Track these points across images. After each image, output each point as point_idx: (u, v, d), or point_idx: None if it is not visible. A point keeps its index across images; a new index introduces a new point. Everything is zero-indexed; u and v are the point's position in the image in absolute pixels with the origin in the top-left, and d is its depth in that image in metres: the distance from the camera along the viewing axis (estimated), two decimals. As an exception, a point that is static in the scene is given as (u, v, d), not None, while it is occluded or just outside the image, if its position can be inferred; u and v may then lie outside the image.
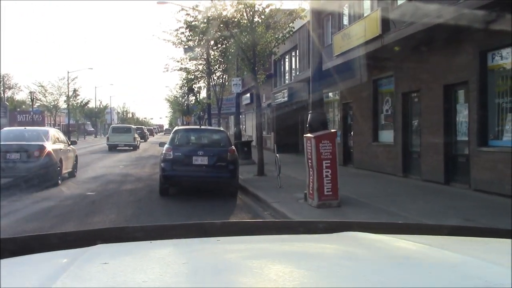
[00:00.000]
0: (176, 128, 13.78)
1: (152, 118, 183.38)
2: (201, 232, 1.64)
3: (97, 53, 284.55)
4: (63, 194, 12.41)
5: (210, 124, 31.24)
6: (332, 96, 21.33)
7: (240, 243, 1.58)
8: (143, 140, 47.66)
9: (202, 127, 15.54)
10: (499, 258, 1.30)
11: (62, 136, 15.98)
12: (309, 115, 10.46)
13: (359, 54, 14.96)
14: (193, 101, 44.67)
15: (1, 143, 13.11)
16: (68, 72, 62.60)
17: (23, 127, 18.13)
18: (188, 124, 43.96)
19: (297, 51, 25.59)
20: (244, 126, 38.60)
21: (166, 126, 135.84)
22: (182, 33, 18.28)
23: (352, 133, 18.62)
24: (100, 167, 20.20)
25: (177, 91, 59.97)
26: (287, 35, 15.74)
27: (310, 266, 1.25)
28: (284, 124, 28.55)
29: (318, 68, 10.34)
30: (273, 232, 1.71)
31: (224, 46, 17.43)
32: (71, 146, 16.23)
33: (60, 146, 14.75)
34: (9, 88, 75.23)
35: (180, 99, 62.81)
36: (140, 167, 21.14)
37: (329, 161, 9.58)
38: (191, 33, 18.04)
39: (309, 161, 9.83)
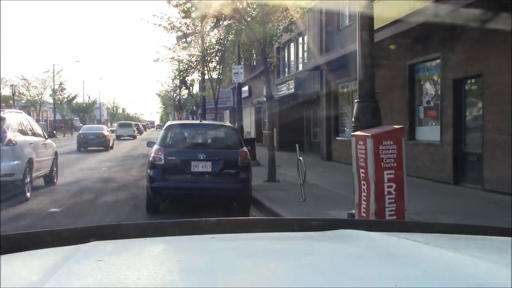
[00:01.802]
0: (169, 123, 10.57)
1: (143, 114, 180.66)
2: (195, 230, 1.61)
3: (85, 45, 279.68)
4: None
5: (204, 120, 28.15)
6: (351, 86, 18.30)
7: (234, 240, 1.55)
8: (139, 134, 60.58)
9: (204, 121, 12.18)
10: (498, 257, 1.24)
11: (108, 128, 34.89)
12: (356, 105, 7.47)
13: (396, 31, 11.94)
14: (186, 95, 41.96)
15: (85, 132, 30.01)
16: (53, 65, 59.17)
17: (92, 125, 42.94)
18: (181, 119, 40.53)
19: (305, 37, 22.48)
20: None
21: (157, 122, 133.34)
22: (176, 5, 15.08)
23: (378, 129, 15.59)
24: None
25: (168, 85, 57.13)
26: (307, 7, 12.66)
27: (304, 263, 1.23)
28: (288, 120, 25.55)
29: (369, 37, 7.34)
30: (267, 229, 1.68)
31: (228, 23, 14.27)
32: (112, 134, 34.76)
33: (108, 133, 31.36)
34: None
35: (172, 93, 59.85)
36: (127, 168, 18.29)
37: (393, 171, 6.58)
38: (186, 10, 14.93)
39: (361, 170, 6.82)
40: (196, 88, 39.39)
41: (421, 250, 1.32)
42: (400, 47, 13.31)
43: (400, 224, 1.87)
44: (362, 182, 6.84)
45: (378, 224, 1.80)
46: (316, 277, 1.11)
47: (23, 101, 62.24)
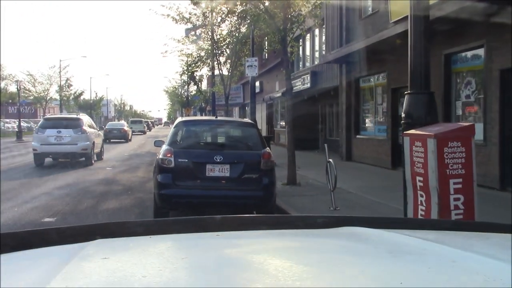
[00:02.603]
0: (179, 120, 9.26)
1: (150, 111, 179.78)
2: (201, 227, 1.59)
3: (90, 41, 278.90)
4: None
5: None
6: (374, 80, 16.96)
7: (239, 238, 1.53)
8: (148, 130, 66.77)
9: (219, 117, 10.78)
10: (499, 253, 1.24)
11: (127, 125, 45.53)
12: (406, 98, 6.17)
13: (434, 16, 10.56)
14: (194, 91, 40.81)
15: (110, 127, 39.71)
16: (60, 61, 58.16)
17: (115, 122, 54.80)
18: (189, 116, 39.23)
19: (323, 27, 21.11)
20: (252, 119, 34.21)
21: (165, 119, 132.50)
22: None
23: (406, 127, 14.25)
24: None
25: (176, 82, 55.91)
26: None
27: (309, 261, 1.22)
28: (302, 116, 24.25)
29: (424, 14, 6.04)
30: (272, 227, 1.66)
31: (243, 9, 12.91)
32: (129, 129, 42.68)
33: (128, 128, 41.19)
34: (2, 79, 70.51)
35: (180, 89, 58.62)
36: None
37: (460, 180, 5.27)
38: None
39: (418, 178, 5.51)
40: (204, 84, 38.17)
41: (425, 247, 1.31)
42: (435, 34, 11.96)
43: (405, 222, 1.94)
44: (419, 192, 5.53)
45: (382, 222, 1.75)
46: (321, 274, 1.10)
47: (30, 98, 61.32)
